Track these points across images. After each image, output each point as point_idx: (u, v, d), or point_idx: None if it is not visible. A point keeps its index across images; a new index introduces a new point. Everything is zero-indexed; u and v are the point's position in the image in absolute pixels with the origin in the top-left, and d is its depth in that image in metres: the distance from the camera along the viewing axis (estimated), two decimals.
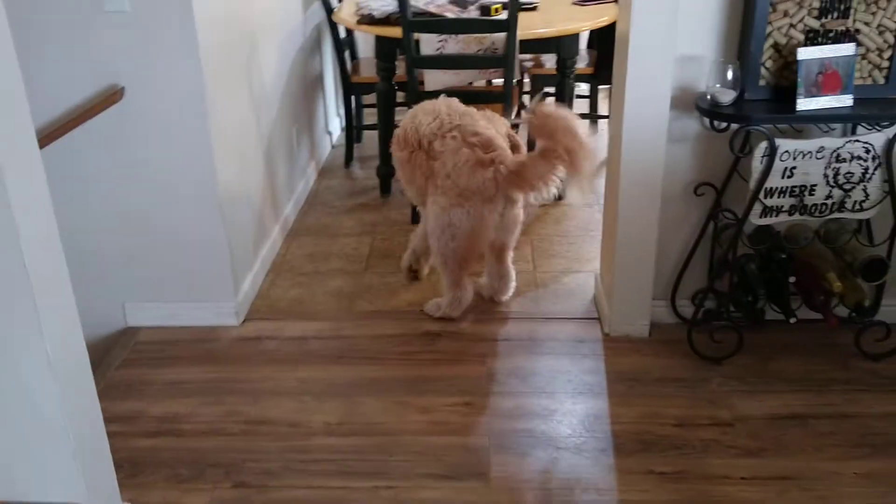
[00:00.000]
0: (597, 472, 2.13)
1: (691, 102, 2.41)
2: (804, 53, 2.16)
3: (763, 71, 2.27)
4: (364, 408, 2.41)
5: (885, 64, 2.25)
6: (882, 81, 2.27)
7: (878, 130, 2.28)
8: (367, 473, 2.16)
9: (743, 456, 2.16)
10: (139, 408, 2.45)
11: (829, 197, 2.32)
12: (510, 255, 2.94)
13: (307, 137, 4.06)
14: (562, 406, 2.40)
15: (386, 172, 3.87)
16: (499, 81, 3.86)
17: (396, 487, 2.11)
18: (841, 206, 2.33)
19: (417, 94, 3.42)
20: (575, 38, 3.55)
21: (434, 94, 3.11)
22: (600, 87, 4.57)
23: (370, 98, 4.45)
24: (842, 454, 2.15)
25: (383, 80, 3.68)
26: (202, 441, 2.30)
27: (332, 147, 4.64)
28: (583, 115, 4.45)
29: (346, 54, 4.20)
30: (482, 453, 2.22)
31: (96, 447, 1.79)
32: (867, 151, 2.26)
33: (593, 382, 2.50)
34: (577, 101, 4.22)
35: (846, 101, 2.20)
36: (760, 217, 2.34)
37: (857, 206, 2.33)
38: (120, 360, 2.70)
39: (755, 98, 2.28)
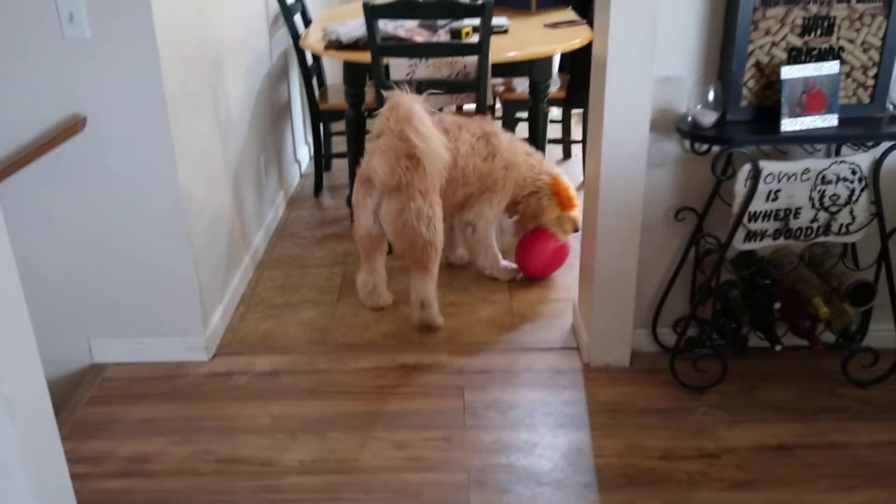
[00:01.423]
0: None
1: (671, 125, 2.37)
2: (788, 72, 2.12)
3: (745, 91, 2.23)
4: (339, 444, 2.31)
5: (870, 82, 2.22)
6: (867, 100, 2.24)
7: (864, 151, 2.25)
8: None
9: (731, 489, 2.08)
10: (107, 448, 2.33)
11: (814, 220, 2.28)
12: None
13: (275, 166, 3.97)
14: (542, 439, 2.31)
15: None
16: (469, 106, 3.83)
17: None
18: (827, 229, 2.29)
19: None
20: (548, 61, 3.51)
21: None
22: (573, 111, 4.55)
23: (339, 125, 4.40)
24: (833, 486, 2.09)
25: (352, 107, 3.61)
26: (172, 482, 2.18)
27: (301, 176, 4.55)
28: (554, 141, 4.47)
29: (314, 81, 4.13)
30: (461, 491, 2.12)
31: (59, 492, 1.67)
32: (853, 172, 2.23)
33: (574, 414, 2.42)
34: (549, 126, 4.19)
35: (831, 120, 2.17)
36: (744, 242, 2.29)
37: (844, 229, 2.29)
38: (86, 398, 2.57)
39: (737, 119, 2.24)
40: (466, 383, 2.58)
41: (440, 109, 3.69)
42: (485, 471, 2.19)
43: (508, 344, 2.80)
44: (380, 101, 3.32)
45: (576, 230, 3.13)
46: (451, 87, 3.34)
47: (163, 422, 2.44)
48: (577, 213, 3.15)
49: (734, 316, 2.43)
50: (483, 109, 3.34)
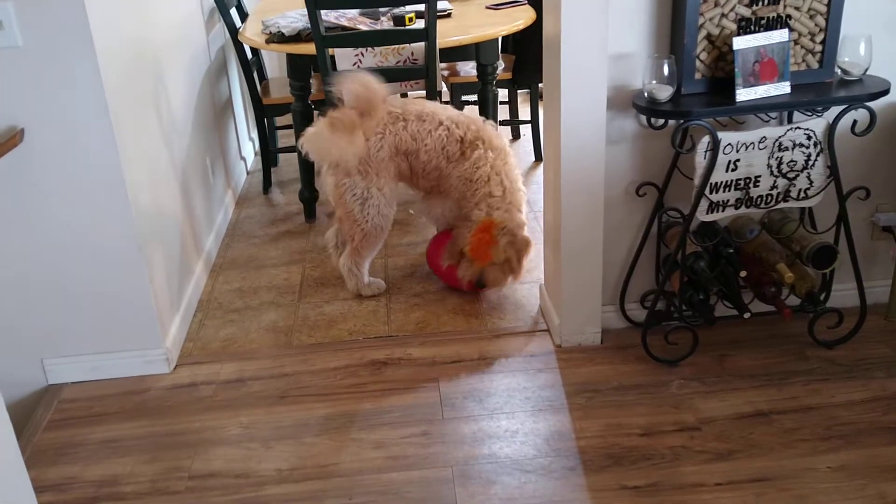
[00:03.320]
0: (569, 494, 2.04)
1: (627, 101, 2.36)
2: (740, 43, 2.13)
3: (698, 63, 2.23)
4: (316, 449, 2.26)
5: (818, 48, 2.24)
6: (816, 66, 2.26)
7: (818, 116, 2.28)
8: None
9: (714, 460, 2.10)
10: (72, 473, 2.23)
11: (773, 187, 2.30)
12: None
13: (221, 165, 3.86)
14: (523, 426, 2.29)
15: (309, 196, 3.71)
16: (419, 92, 3.77)
17: None
18: (786, 195, 2.31)
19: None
20: (494, 43, 3.48)
21: None
22: (519, 91, 4.53)
23: (284, 119, 4.29)
24: (812, 449, 2.12)
25: (298, 100, 3.52)
26: (146, 503, 2.11)
27: (248, 173, 4.44)
28: (503, 122, 4.44)
29: (255, 75, 4.02)
30: (446, 486, 2.09)
31: None
32: (808, 138, 2.25)
33: (552, 397, 2.41)
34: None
35: (784, 88, 2.19)
36: (707, 213, 2.30)
37: (802, 194, 2.32)
38: (44, 422, 2.46)
39: (692, 92, 2.24)
40: (440, 374, 2.55)
41: (404, 97, 3.65)
42: (468, 463, 2.16)
43: (478, 331, 2.78)
44: (326, 93, 3.24)
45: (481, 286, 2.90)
46: (399, 74, 3.28)
47: (128, 441, 2.34)
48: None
49: (701, 287, 2.44)
50: (433, 95, 3.29)
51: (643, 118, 2.38)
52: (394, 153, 2.86)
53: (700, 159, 2.23)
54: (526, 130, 4.66)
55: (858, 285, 2.45)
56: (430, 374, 2.56)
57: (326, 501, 2.06)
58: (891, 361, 2.44)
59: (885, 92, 2.21)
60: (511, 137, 4.66)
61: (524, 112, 4.82)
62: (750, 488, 2.00)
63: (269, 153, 4.13)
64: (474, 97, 4.01)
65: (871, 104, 2.21)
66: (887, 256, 2.64)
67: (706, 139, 2.20)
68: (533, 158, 4.32)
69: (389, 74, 3.23)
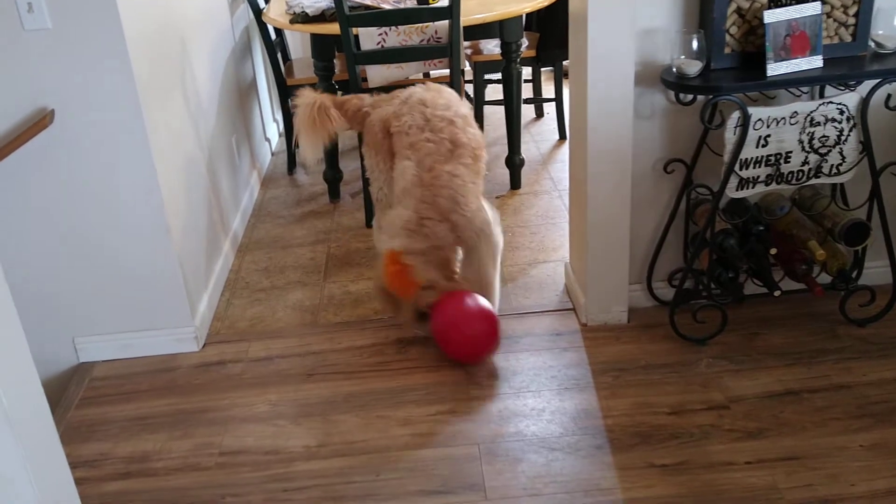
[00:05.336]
0: (596, 472, 2.03)
1: (656, 77, 2.33)
2: (770, 16, 2.09)
3: (728, 38, 2.19)
4: (343, 426, 2.27)
5: (851, 21, 2.19)
6: (849, 39, 2.21)
7: (851, 90, 2.23)
8: (356, 496, 2.02)
9: (744, 439, 2.08)
10: (104, 449, 2.27)
11: (805, 163, 2.26)
12: None
13: (247, 146, 3.87)
14: (549, 404, 2.29)
15: (333, 177, 3.71)
16: (437, 73, 3.75)
17: None
18: (818, 171, 2.27)
19: (360, 91, 3.26)
20: (519, 20, 3.44)
21: (379, 90, 2.99)
22: (543, 69, 4.49)
23: None
24: (844, 427, 2.09)
25: (322, 80, 3.51)
26: (177, 479, 2.13)
27: (273, 154, 4.45)
28: (527, 101, 4.41)
29: (279, 56, 4.02)
30: (473, 463, 2.10)
31: (65, 500, 1.62)
32: (841, 113, 2.21)
33: (578, 376, 2.40)
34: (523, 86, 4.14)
35: (816, 62, 2.14)
36: (737, 190, 2.27)
37: (834, 170, 2.28)
38: (76, 399, 2.50)
39: (722, 67, 2.21)
40: None
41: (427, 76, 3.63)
42: (495, 441, 2.17)
43: (504, 310, 2.77)
44: (351, 73, 3.23)
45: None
46: (423, 53, 3.26)
47: (159, 418, 2.38)
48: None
49: (731, 265, 2.42)
50: (457, 73, 3.27)
51: (671, 94, 2.35)
52: (384, 129, 2.70)
53: (730, 135, 2.20)
54: (550, 109, 4.62)
55: (891, 262, 2.41)
56: None
57: (354, 478, 2.08)
58: None
59: None
60: (534, 116, 4.63)
61: (548, 91, 4.78)
62: (780, 467, 1.98)
63: (293, 135, 4.12)
64: (498, 76, 3.98)
65: None
66: None
67: (736, 115, 2.17)
68: (557, 137, 4.29)
69: (415, 54, 3.22)
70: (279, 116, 4.74)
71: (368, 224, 3.47)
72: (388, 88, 3.06)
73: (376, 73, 3.34)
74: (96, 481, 2.15)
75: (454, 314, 2.44)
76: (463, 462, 2.11)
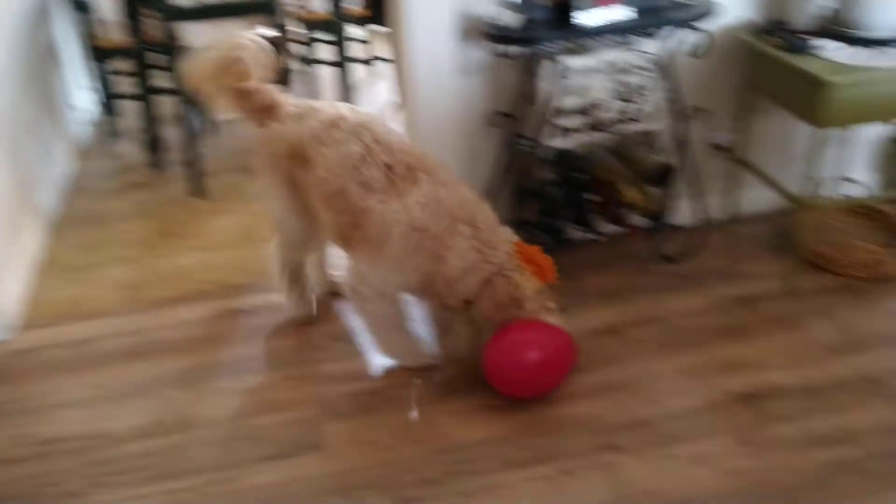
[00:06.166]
0: (438, 419, 2.07)
1: (476, 30, 2.35)
2: None
3: None
4: (176, 402, 2.18)
5: None
6: None
7: (658, 39, 2.35)
8: (191, 471, 1.95)
9: (573, 373, 2.18)
10: None
11: (617, 111, 2.37)
12: None
13: (55, 116, 3.58)
14: (392, 361, 2.30)
15: (155, 145, 3.52)
16: (265, 31, 3.62)
17: (227, 479, 1.92)
18: (630, 119, 2.39)
19: (175, 53, 3.10)
20: None
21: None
22: (378, 29, 4.44)
23: (123, 65, 4.02)
24: (658, 355, 2.24)
25: (134, 42, 3.30)
26: None
27: (87, 124, 4.15)
28: (363, 61, 4.35)
29: (88, 17, 3.73)
30: (314, 424, 2.08)
31: None
32: (649, 61, 2.32)
33: (417, 331, 2.42)
34: (355, 46, 4.07)
35: (624, 12, 2.24)
36: (557, 139, 2.34)
37: (644, 117, 2.40)
38: None
39: (538, 18, 2.26)
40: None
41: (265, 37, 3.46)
42: (338, 401, 2.15)
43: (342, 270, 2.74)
44: (165, 32, 3.06)
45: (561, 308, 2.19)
46: (238, 9, 3.12)
47: None
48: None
49: (556, 213, 2.51)
50: (281, 33, 3.17)
51: (492, 46, 2.38)
52: (286, 152, 2.19)
53: (547, 86, 2.26)
54: (386, 69, 4.58)
55: (699, 202, 2.59)
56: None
57: (189, 452, 2.00)
58: (727, 271, 2.60)
59: (709, 13, 2.30)
60: (372, 77, 4.58)
61: (385, 51, 4.74)
62: (606, 396, 2.10)
63: (108, 101, 3.87)
64: (331, 36, 3.90)
65: (707, 27, 2.30)
66: (725, 174, 2.79)
67: (551, 65, 2.23)
68: (398, 99, 4.27)
69: (227, 10, 3.08)
70: (92, 83, 4.41)
71: (197, 195, 3.32)
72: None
73: (193, 32, 3.17)
74: None
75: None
76: (304, 424, 2.08)
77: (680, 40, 2.35)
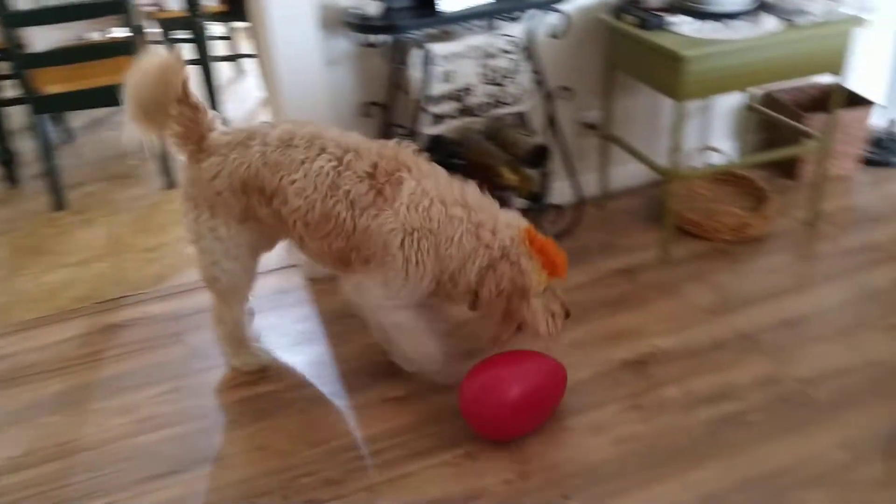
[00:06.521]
0: (333, 416, 2.04)
1: (339, 20, 2.31)
2: None
3: None
4: (53, 428, 2.05)
5: None
6: None
7: (519, 22, 2.38)
8: (77, 497, 1.85)
9: (464, 359, 2.16)
10: None
11: (487, 94, 2.39)
12: None
13: None
14: (281, 363, 2.25)
15: (7, 158, 3.29)
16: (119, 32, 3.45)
17: (116, 502, 1.83)
18: (499, 101, 2.42)
19: (23, 58, 2.90)
20: None
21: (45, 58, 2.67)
22: (239, 24, 4.32)
23: None
24: None
25: None
26: None
27: None
28: (226, 58, 4.22)
29: None
30: (206, 436, 2.01)
31: None
32: (512, 44, 2.35)
33: (308, 330, 2.38)
34: (216, 43, 3.95)
35: None
36: (431, 126, 2.35)
37: (513, 99, 2.44)
38: None
39: (401, 6, 2.25)
40: (185, 328, 2.42)
41: (80, 39, 3.28)
42: (228, 409, 2.09)
43: None
44: (6, 38, 2.86)
45: (567, 314, 2.01)
46: (88, 10, 2.95)
47: None
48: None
49: None
50: (139, 32, 3.02)
51: (356, 36, 2.35)
52: (238, 187, 1.93)
53: (415, 73, 2.26)
54: (251, 66, 4.46)
55: (574, 180, 2.65)
56: (175, 328, 2.42)
57: (73, 479, 1.89)
58: (606, 245, 2.69)
59: None
60: (234, 75, 4.45)
61: (246, 47, 4.61)
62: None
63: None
64: (189, 35, 3.76)
65: (565, 9, 2.35)
66: (596, 151, 2.88)
67: (418, 53, 2.23)
68: (263, 94, 4.17)
69: (76, 12, 2.91)
70: None
71: (58, 208, 3.13)
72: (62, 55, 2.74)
73: (40, 36, 2.98)
74: None
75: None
76: (194, 437, 2.01)
77: (541, 22, 2.39)
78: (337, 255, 1.93)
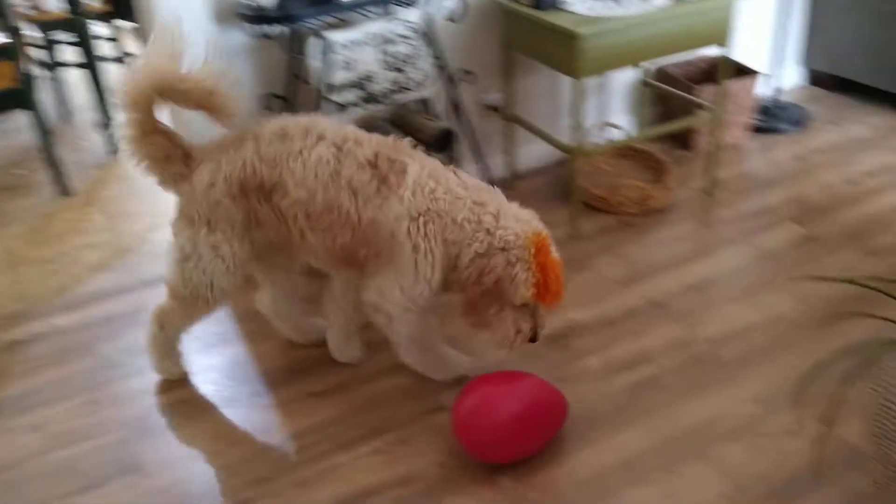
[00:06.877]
0: (257, 416, 2.01)
1: (231, 13, 2.27)
2: None
3: None
4: None
5: None
6: None
7: (415, 7, 2.39)
8: None
9: (388, 349, 2.17)
10: None
11: (389, 81, 2.39)
12: None
13: None
14: (197, 366, 2.20)
15: None
16: None
17: None
18: (402, 87, 2.42)
19: None
20: None
21: None
22: (125, 23, 4.16)
23: None
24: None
25: None
26: None
27: None
28: (114, 59, 4.06)
29: None
30: (125, 446, 1.95)
31: None
32: (412, 30, 2.36)
33: (223, 331, 2.33)
34: (101, 44, 3.80)
35: None
36: (336, 115, 2.33)
37: (416, 85, 2.45)
38: None
39: None
40: (94, 337, 2.33)
41: None
42: (146, 417, 2.03)
43: (131, 283, 2.57)
44: None
45: (534, 339, 1.87)
46: None
47: None
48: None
49: None
50: (18, 36, 2.88)
51: (255, 28, 2.31)
52: (237, 191, 1.85)
53: (315, 63, 2.24)
54: None
55: (481, 163, 2.68)
56: (84, 338, 2.33)
57: None
58: None
59: None
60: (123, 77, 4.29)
61: (133, 47, 4.45)
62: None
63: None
64: (72, 36, 3.60)
65: None
66: (500, 133, 2.92)
67: (316, 41, 2.21)
68: None
69: None
70: None
71: None
72: None
73: None
74: None
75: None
76: (114, 449, 1.94)
77: (438, 6, 2.40)
78: (343, 251, 1.85)
